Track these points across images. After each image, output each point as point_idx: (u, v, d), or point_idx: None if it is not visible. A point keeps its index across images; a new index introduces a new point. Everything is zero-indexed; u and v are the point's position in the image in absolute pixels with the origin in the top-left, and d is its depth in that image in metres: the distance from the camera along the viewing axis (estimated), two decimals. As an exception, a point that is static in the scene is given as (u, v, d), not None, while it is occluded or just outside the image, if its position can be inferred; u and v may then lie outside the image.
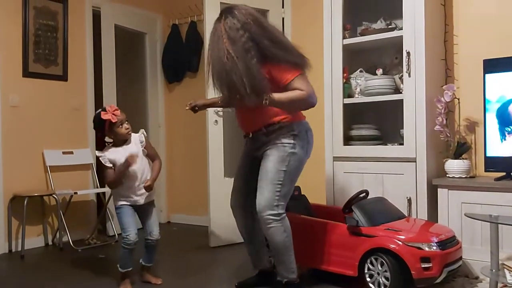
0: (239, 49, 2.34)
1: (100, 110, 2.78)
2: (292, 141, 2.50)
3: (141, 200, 2.81)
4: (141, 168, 2.80)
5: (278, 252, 2.55)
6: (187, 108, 2.85)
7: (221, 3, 3.91)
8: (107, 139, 2.83)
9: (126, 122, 2.79)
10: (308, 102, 2.42)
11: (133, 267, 2.87)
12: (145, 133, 2.91)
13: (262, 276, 2.85)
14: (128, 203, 2.79)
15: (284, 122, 2.52)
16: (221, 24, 2.42)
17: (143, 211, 2.87)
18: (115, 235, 4.15)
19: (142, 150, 2.84)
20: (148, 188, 2.81)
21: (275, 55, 2.38)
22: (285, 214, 2.53)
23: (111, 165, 2.74)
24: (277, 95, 2.39)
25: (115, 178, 2.74)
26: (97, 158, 2.79)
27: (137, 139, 2.85)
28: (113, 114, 2.72)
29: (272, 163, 2.51)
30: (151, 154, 2.91)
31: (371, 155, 3.18)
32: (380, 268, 2.54)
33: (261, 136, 2.57)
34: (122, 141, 2.80)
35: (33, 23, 4.03)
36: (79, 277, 3.11)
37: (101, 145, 2.81)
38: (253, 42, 2.36)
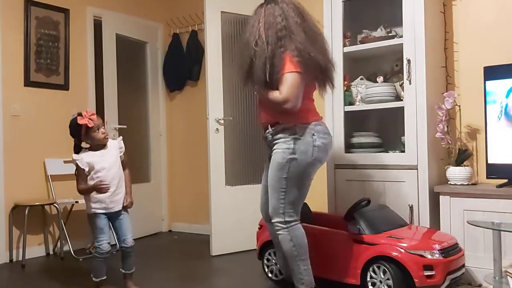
0: (272, 35, 2.38)
1: (76, 115, 2.78)
2: (291, 146, 2.44)
3: (115, 207, 2.80)
4: (118, 175, 2.82)
5: (288, 259, 2.52)
6: None
7: (222, 12, 3.94)
8: (83, 144, 2.84)
9: (103, 127, 2.81)
10: (281, 107, 2.39)
11: (107, 276, 2.86)
12: (122, 140, 2.92)
13: (289, 283, 2.76)
14: (102, 211, 2.78)
15: (287, 123, 2.47)
16: (262, 9, 2.47)
17: (116, 218, 2.85)
18: (116, 244, 4.13)
19: (120, 156, 2.86)
20: (130, 206, 2.85)
21: (303, 48, 2.36)
22: (295, 223, 2.49)
23: (87, 169, 2.74)
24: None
25: (86, 190, 2.77)
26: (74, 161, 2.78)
27: (116, 145, 2.87)
28: (89, 119, 2.73)
29: (273, 171, 2.50)
30: (124, 162, 2.91)
31: (372, 162, 3.18)
32: (382, 276, 2.53)
33: (268, 135, 2.56)
34: (99, 145, 2.81)
35: (34, 33, 4.05)
36: (80, 287, 3.10)
37: (77, 150, 2.82)
38: (288, 31, 2.38)
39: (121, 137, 2.95)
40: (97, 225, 2.78)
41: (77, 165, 2.75)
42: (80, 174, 2.77)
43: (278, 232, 2.50)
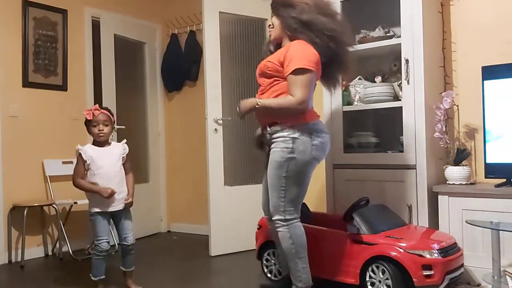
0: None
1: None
2: (290, 146, 2.47)
3: (116, 207, 2.82)
4: (119, 175, 2.84)
5: (286, 257, 2.55)
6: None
7: (220, 12, 3.94)
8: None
9: (105, 126, 2.82)
10: (296, 110, 2.47)
11: (107, 276, 2.87)
12: (126, 143, 2.94)
13: (287, 282, 2.79)
14: (103, 210, 2.80)
15: (286, 123, 2.50)
16: None
17: (117, 217, 2.87)
18: (115, 244, 4.13)
19: (122, 157, 2.88)
20: (129, 205, 2.87)
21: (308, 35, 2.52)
22: (295, 220, 2.52)
23: (89, 161, 2.77)
24: (267, 101, 2.52)
25: (83, 186, 2.79)
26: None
27: (120, 148, 2.89)
28: (92, 112, 2.79)
29: (272, 170, 2.53)
30: (127, 167, 2.93)
31: (371, 162, 3.18)
32: (381, 276, 2.53)
33: (267, 135, 2.59)
34: (100, 143, 2.84)
35: (33, 33, 4.04)
36: (79, 287, 3.10)
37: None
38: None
39: (124, 140, 2.95)
40: (97, 224, 2.79)
41: (79, 156, 2.78)
42: (80, 167, 2.79)
43: (278, 229, 2.53)
